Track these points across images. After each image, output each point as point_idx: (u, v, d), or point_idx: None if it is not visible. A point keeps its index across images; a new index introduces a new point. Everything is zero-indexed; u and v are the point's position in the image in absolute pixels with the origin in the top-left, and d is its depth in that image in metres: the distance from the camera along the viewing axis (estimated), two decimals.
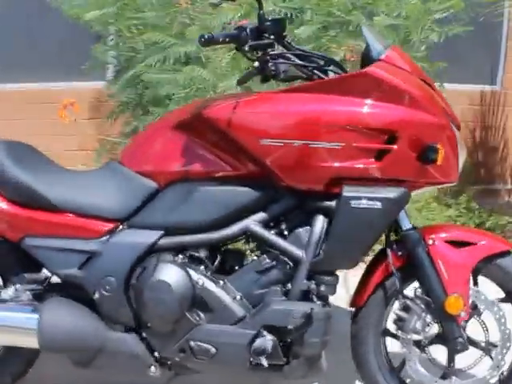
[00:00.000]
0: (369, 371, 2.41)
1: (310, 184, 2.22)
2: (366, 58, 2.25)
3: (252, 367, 2.28)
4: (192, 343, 2.29)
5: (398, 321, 2.34)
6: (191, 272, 2.30)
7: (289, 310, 2.23)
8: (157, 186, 2.36)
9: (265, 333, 2.23)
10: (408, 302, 2.30)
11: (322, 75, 2.25)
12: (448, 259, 2.27)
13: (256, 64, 2.24)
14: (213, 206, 2.30)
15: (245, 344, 2.25)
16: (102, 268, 2.35)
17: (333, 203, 2.22)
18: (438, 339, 2.33)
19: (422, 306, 2.29)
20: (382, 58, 2.18)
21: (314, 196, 2.25)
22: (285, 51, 2.26)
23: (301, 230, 2.28)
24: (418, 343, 2.35)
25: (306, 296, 2.28)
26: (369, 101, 2.14)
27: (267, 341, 2.22)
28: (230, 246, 2.46)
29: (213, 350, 2.28)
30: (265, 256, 2.31)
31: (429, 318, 2.30)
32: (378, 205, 2.17)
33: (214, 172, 2.30)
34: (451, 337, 2.28)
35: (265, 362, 2.23)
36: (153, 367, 2.36)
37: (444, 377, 2.38)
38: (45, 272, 2.46)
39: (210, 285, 2.30)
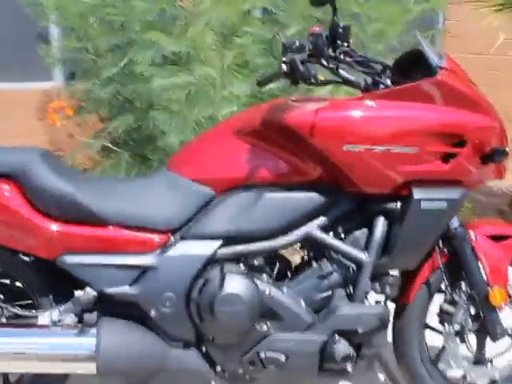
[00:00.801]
0: (412, 365, 2.50)
1: (381, 188, 2.25)
2: (416, 66, 2.30)
3: (321, 372, 2.28)
4: (262, 354, 2.24)
5: (444, 314, 2.45)
6: (257, 281, 2.24)
7: (359, 314, 2.26)
8: (214, 193, 2.27)
9: (337, 337, 2.24)
10: (454, 296, 2.43)
11: (384, 82, 2.28)
12: (489, 253, 2.42)
13: (284, 67, 2.22)
14: (276, 212, 2.26)
15: (316, 350, 2.25)
16: (159, 284, 2.21)
17: (393, 205, 2.28)
18: (479, 328, 2.49)
19: (467, 299, 2.43)
20: (444, 66, 2.26)
21: (374, 199, 2.29)
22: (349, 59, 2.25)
23: (360, 232, 2.32)
24: (458, 333, 2.49)
25: (368, 298, 2.32)
26: (441, 107, 2.22)
27: (341, 345, 2.24)
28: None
29: (283, 358, 2.24)
30: (325, 260, 2.31)
31: (473, 310, 2.45)
32: (444, 205, 2.26)
33: (278, 178, 2.26)
34: (493, 326, 2.44)
35: (349, 368, 2.25)
36: (213, 382, 2.28)
37: (477, 363, 2.54)
38: (87, 292, 2.24)
39: (276, 293, 2.25)
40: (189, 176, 2.28)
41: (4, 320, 2.26)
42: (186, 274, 2.22)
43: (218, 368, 2.28)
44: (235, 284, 2.20)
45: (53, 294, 2.28)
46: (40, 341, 2.17)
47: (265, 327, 2.24)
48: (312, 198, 2.27)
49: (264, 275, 2.29)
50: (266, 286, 2.25)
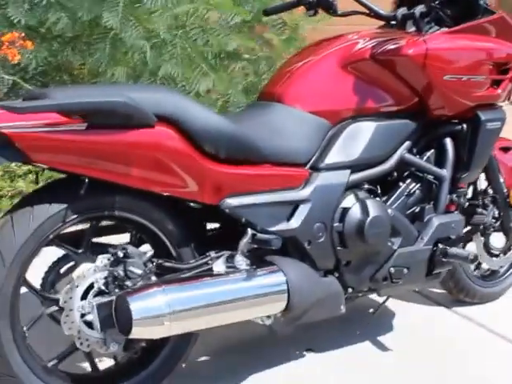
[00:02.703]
0: (460, 276, 2.90)
1: (460, 112, 2.58)
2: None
3: (429, 278, 2.57)
4: (391, 269, 2.44)
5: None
6: (385, 205, 2.44)
7: (449, 222, 2.58)
8: (329, 125, 2.39)
9: (441, 246, 2.54)
10: (486, 199, 2.87)
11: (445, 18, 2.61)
12: (504, 162, 2.92)
13: None
14: (383, 139, 2.46)
15: (426, 259, 2.52)
16: (310, 216, 2.28)
17: (460, 127, 2.63)
18: (499, 227, 2.97)
19: (491, 202, 2.89)
20: (490, 5, 2.67)
21: (445, 123, 2.62)
22: None
23: (435, 152, 2.63)
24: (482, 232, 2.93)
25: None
26: (498, 39, 2.63)
27: (446, 243, 2.54)
28: None
29: (405, 270, 2.47)
30: (411, 180, 2.58)
31: (496, 212, 2.93)
32: (499, 124, 2.68)
33: (382, 108, 2.46)
34: (509, 223, 2.95)
35: (444, 273, 2.58)
36: (343, 305, 2.41)
37: (493, 256, 3.03)
38: (249, 234, 2.16)
39: (395, 212, 2.47)
40: (306, 109, 2.35)
41: (153, 277, 2.11)
42: (330, 203, 2.32)
43: (349, 290, 2.43)
44: (375, 208, 2.36)
45: (195, 244, 2.19)
46: (234, 287, 2.08)
47: (392, 244, 2.45)
48: (407, 124, 2.52)
49: (382, 199, 2.49)
50: (388, 207, 2.46)
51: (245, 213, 2.17)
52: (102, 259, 2.06)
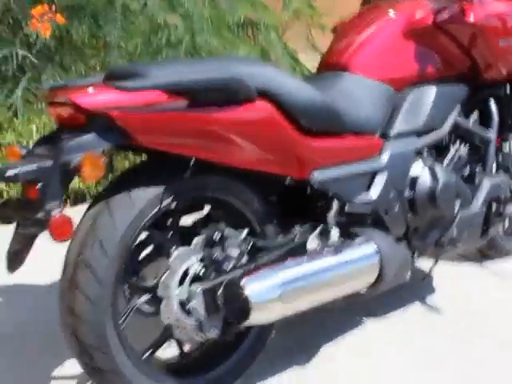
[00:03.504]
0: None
1: (508, 74, 2.61)
2: None
3: (483, 237, 2.61)
4: (454, 232, 2.45)
5: None
6: (449, 169, 2.46)
7: (499, 183, 2.62)
8: (394, 92, 2.37)
9: (494, 205, 2.57)
10: None
11: None
12: None
13: None
14: (442, 104, 2.46)
15: (482, 219, 2.56)
16: (387, 185, 2.26)
17: (503, 90, 2.66)
18: None
19: None
20: None
21: (490, 85, 2.64)
22: None
23: (481, 114, 2.65)
24: None
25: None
26: None
27: (498, 202, 2.58)
28: None
29: (466, 232, 2.50)
30: (460, 143, 2.59)
31: None
32: None
33: (441, 73, 2.47)
34: None
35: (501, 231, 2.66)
36: (409, 272, 2.41)
37: None
38: (334, 207, 2.14)
39: (454, 177, 2.47)
40: (373, 77, 2.33)
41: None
42: (403, 171, 2.32)
43: (416, 254, 2.43)
44: (443, 173, 2.37)
45: (278, 219, 2.12)
46: (336, 262, 2.04)
47: (455, 208, 2.46)
48: (460, 88, 2.53)
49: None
50: (449, 170, 2.46)
51: (331, 186, 2.13)
52: (198, 241, 1.97)
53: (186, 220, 2.12)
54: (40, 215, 1.66)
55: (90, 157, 1.66)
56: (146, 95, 1.74)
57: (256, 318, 1.86)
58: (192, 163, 1.84)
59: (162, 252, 1.98)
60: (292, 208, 2.18)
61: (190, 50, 3.21)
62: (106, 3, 3.12)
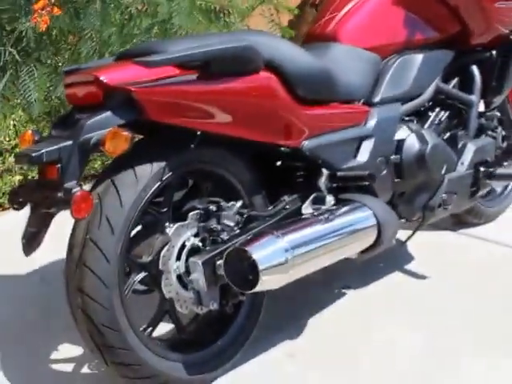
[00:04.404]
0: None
1: (496, 39, 2.64)
2: None
3: (471, 200, 2.66)
4: (444, 195, 2.48)
5: None
6: (434, 133, 2.49)
7: (483, 146, 2.65)
8: (380, 60, 2.40)
9: (481, 168, 2.61)
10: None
11: None
12: None
13: None
14: (426, 71, 2.50)
15: (470, 182, 2.59)
16: (374, 151, 2.29)
17: (489, 54, 2.69)
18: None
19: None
20: None
21: (473, 50, 2.68)
22: None
23: (463, 79, 2.68)
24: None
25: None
26: None
27: (485, 165, 2.61)
28: None
29: (454, 196, 2.52)
30: (441, 108, 2.61)
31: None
32: None
33: (427, 40, 2.50)
34: None
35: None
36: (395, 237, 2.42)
37: None
38: (324, 173, 2.18)
39: (440, 140, 2.51)
40: (360, 45, 2.35)
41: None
42: (389, 137, 2.34)
43: (403, 221, 2.46)
44: (430, 136, 2.40)
45: (265, 190, 2.13)
46: (335, 226, 2.04)
47: (442, 171, 2.50)
48: (445, 54, 2.57)
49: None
50: (436, 135, 2.50)
51: (321, 153, 2.15)
52: (193, 216, 1.98)
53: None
54: (60, 194, 1.67)
55: (114, 132, 1.69)
56: (162, 70, 1.77)
57: (265, 283, 1.85)
58: (198, 136, 1.86)
59: (155, 229, 1.97)
60: (277, 179, 2.21)
61: (160, 35, 3.23)
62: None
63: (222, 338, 2.10)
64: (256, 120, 1.95)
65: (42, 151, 1.67)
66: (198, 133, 1.87)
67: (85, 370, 2.15)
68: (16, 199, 1.78)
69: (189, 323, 2.13)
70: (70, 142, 1.69)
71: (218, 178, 2.05)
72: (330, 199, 2.14)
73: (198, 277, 1.93)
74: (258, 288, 1.86)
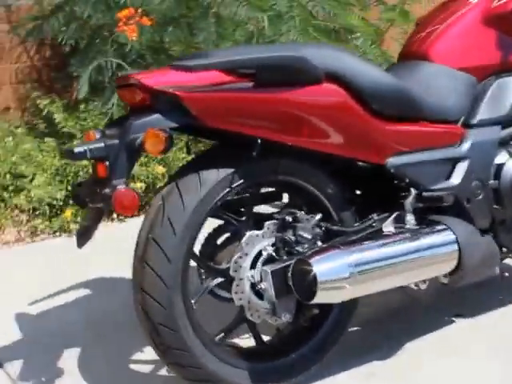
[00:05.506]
0: None
1: None
2: None
3: None
4: None
5: None
6: None
7: None
8: (476, 81, 2.32)
9: None
10: None
11: None
12: None
13: None
14: None
15: None
16: (469, 173, 2.21)
17: None
18: None
19: None
20: None
21: None
22: None
23: None
24: None
25: None
26: None
27: None
28: None
29: None
30: None
31: None
32: None
33: None
34: None
35: None
36: (498, 266, 2.30)
37: None
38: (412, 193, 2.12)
39: None
40: (454, 66, 2.29)
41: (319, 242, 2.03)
42: (486, 160, 2.26)
43: (504, 250, 2.34)
44: None
45: (355, 207, 2.12)
46: (409, 247, 2.01)
47: None
48: None
49: None
50: None
51: (408, 172, 2.11)
52: (270, 225, 2.00)
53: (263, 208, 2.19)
54: (107, 190, 1.75)
55: (151, 132, 1.74)
56: (209, 76, 1.80)
57: (323, 296, 1.85)
58: (259, 145, 1.87)
59: (237, 237, 2.02)
60: (373, 197, 2.19)
61: None
62: (201, 14, 3.25)
63: (295, 352, 2.09)
64: (323, 131, 1.94)
65: (85, 148, 1.76)
66: (259, 141, 1.88)
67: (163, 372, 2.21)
68: (76, 196, 1.89)
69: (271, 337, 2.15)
70: (116, 141, 1.77)
71: (300, 189, 2.06)
72: (410, 218, 2.09)
73: (267, 286, 1.94)
74: (317, 300, 1.86)
